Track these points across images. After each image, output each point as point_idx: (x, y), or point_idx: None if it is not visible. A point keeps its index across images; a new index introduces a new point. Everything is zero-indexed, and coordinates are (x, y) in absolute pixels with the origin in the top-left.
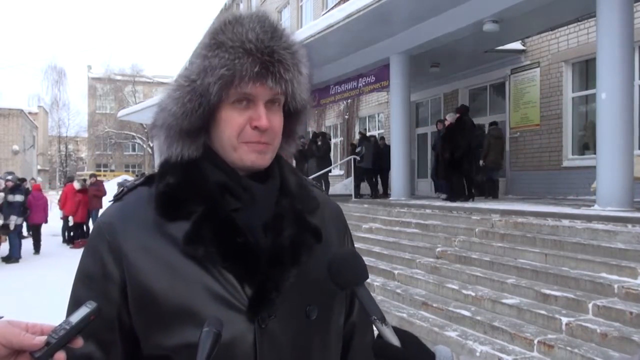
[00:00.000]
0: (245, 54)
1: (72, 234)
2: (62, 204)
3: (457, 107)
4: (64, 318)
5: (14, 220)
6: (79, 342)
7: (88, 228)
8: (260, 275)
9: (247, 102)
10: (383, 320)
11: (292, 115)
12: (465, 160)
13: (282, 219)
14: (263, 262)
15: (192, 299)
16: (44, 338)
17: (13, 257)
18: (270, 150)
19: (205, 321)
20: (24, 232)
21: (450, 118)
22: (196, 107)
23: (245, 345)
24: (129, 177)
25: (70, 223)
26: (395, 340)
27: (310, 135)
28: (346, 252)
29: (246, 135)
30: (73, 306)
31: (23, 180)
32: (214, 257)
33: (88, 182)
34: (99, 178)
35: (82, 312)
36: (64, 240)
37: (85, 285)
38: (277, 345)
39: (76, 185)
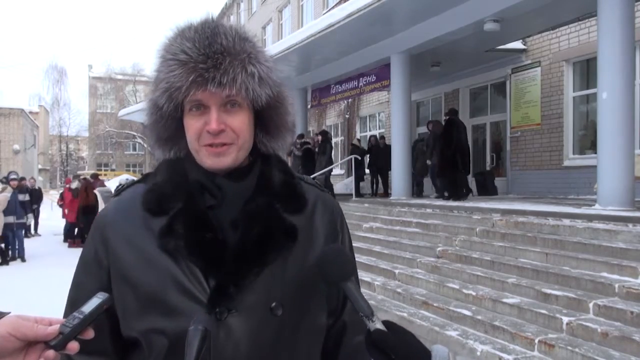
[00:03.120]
0: (180, 65)
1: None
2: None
3: (447, 110)
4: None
5: (30, 218)
6: (89, 333)
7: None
8: (223, 270)
9: (202, 108)
10: (370, 316)
11: (264, 112)
12: (460, 160)
13: (252, 217)
14: (228, 258)
15: (160, 288)
16: (57, 327)
17: (20, 256)
18: (233, 151)
19: (169, 310)
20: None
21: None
22: (158, 119)
23: None
24: (130, 177)
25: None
26: None
27: (315, 135)
28: (331, 249)
29: (204, 138)
30: (73, 287)
31: (22, 179)
32: (182, 250)
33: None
34: (99, 177)
35: (94, 302)
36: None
37: (83, 270)
38: (234, 339)
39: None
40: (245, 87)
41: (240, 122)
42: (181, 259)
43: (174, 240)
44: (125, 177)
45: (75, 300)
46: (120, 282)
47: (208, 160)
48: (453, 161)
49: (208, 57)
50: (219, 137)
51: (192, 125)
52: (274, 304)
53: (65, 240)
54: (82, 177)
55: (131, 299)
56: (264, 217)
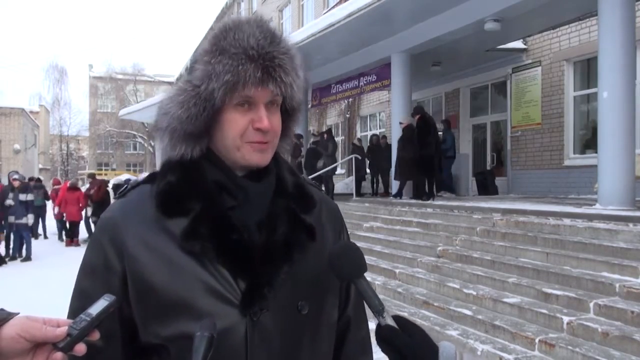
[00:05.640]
0: (248, 60)
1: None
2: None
3: (414, 108)
4: (66, 313)
5: (30, 218)
6: (95, 335)
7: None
8: (253, 271)
9: (248, 105)
10: (381, 312)
11: (288, 114)
12: (435, 159)
13: (276, 217)
14: (256, 259)
15: (188, 292)
16: (65, 329)
17: (27, 256)
18: (270, 149)
19: (200, 314)
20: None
21: (405, 120)
22: (201, 111)
23: (236, 338)
24: (132, 176)
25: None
26: None
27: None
28: (345, 245)
29: (249, 135)
30: (77, 296)
31: (34, 179)
32: (210, 252)
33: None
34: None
35: (101, 304)
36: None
37: (88, 276)
38: (268, 338)
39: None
40: (297, 89)
41: (278, 122)
42: (207, 261)
43: (200, 243)
44: (125, 176)
45: (79, 309)
46: (140, 287)
47: (254, 156)
48: (429, 162)
49: (274, 57)
50: (266, 136)
51: (237, 120)
52: (300, 303)
53: (62, 239)
54: (92, 176)
55: (154, 304)
56: (286, 218)
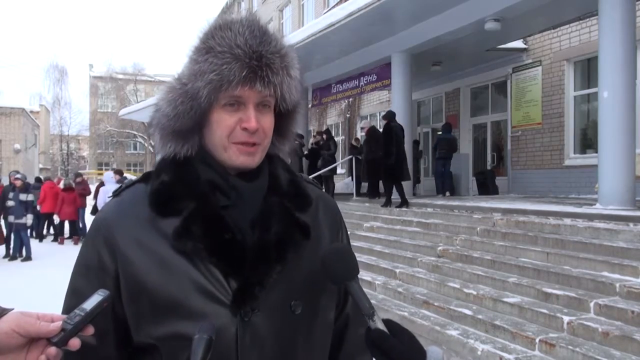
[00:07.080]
0: (234, 59)
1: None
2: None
3: (386, 112)
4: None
5: (30, 218)
6: (90, 330)
7: (84, 225)
8: (245, 271)
9: (237, 105)
10: (371, 316)
11: (284, 116)
12: (397, 167)
13: (269, 216)
14: (248, 258)
15: (179, 292)
16: (59, 324)
17: (27, 256)
18: (260, 151)
19: (191, 314)
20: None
21: (366, 125)
22: (188, 109)
23: (227, 338)
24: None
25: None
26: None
27: (316, 134)
28: (338, 248)
29: (236, 136)
30: (71, 294)
31: (46, 179)
32: (202, 252)
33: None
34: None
35: (95, 299)
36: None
37: (82, 275)
38: (260, 339)
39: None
40: (288, 90)
41: (270, 123)
42: (199, 260)
43: (192, 242)
44: (109, 174)
45: (73, 308)
46: (133, 288)
47: (239, 158)
48: (390, 172)
49: (262, 56)
50: (253, 136)
51: (225, 120)
52: (293, 302)
53: (57, 238)
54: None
55: (146, 304)
56: (279, 216)
